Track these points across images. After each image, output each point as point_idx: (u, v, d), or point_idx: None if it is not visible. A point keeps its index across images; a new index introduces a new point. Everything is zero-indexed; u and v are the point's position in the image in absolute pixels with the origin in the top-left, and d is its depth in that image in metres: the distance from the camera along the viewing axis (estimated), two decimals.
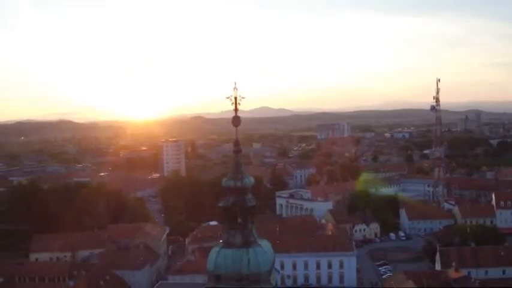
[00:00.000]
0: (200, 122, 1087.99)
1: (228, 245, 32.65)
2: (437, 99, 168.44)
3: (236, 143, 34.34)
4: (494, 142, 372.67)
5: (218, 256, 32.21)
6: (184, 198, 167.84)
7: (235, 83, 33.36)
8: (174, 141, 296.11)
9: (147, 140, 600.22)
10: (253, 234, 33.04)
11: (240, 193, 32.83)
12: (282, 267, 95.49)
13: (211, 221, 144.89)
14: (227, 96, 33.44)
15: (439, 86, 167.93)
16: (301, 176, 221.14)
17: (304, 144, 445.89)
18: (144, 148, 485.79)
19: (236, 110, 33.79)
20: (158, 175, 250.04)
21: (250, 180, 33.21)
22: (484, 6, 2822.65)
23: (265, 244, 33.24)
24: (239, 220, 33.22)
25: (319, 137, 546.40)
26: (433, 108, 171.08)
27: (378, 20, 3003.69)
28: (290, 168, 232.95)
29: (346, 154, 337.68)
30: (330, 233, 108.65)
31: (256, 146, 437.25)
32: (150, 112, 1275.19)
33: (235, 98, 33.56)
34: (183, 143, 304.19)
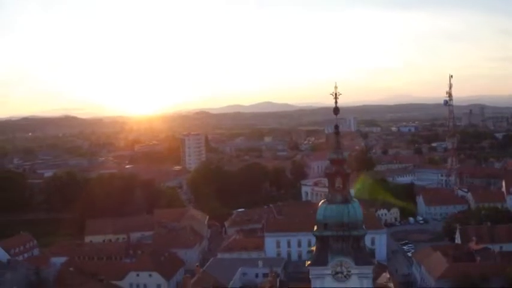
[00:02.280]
0: (204, 117, 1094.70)
1: (331, 202, 44.52)
2: (450, 94, 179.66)
3: (336, 127, 46.42)
4: (499, 135, 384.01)
5: (325, 210, 44.18)
6: (213, 188, 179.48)
7: (335, 83, 45.01)
8: (196, 134, 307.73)
9: (155, 135, 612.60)
10: (350, 194, 44.97)
11: (340, 163, 44.86)
12: None
13: (239, 208, 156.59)
14: (330, 93, 45.05)
15: (451, 82, 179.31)
16: (318, 167, 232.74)
17: (313, 138, 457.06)
18: (155, 142, 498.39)
19: (336, 102, 45.36)
20: (180, 167, 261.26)
21: (346, 155, 45.23)
22: (484, 1, 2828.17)
23: (357, 202, 45.16)
24: (338, 184, 45.19)
25: (326, 131, 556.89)
26: (446, 102, 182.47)
27: (379, 15, 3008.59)
28: (307, 160, 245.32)
29: (357, 147, 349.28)
30: None
31: (267, 140, 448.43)
32: (154, 107, 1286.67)
33: (336, 94, 45.22)
34: (203, 136, 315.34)
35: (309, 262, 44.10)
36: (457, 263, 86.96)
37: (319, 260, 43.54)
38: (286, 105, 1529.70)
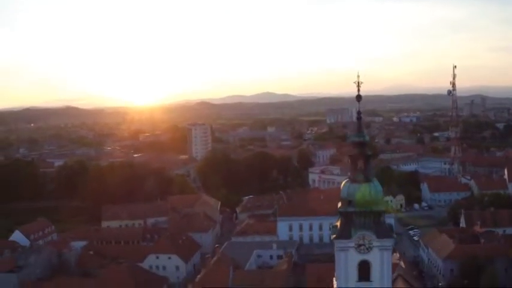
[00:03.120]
0: (205, 108, 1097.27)
1: (354, 181, 48.61)
2: (453, 84, 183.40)
3: (358, 113, 50.29)
4: (500, 126, 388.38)
5: (349, 188, 48.25)
6: (221, 176, 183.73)
7: (358, 72, 49.05)
8: (202, 124, 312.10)
9: (157, 125, 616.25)
10: (371, 174, 49.11)
11: (362, 146, 48.95)
12: (330, 228, 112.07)
13: (248, 196, 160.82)
14: (354, 81, 49.11)
15: (454, 72, 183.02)
16: (323, 156, 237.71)
17: (315, 128, 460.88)
18: (158, 132, 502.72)
19: (358, 90, 49.34)
20: (186, 156, 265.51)
21: (368, 138, 49.39)
22: None
23: (377, 181, 49.29)
24: (360, 165, 49.29)
25: (328, 121, 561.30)
26: (449, 92, 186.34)
27: (379, 5, 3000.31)
28: (313, 149, 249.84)
29: None
30: None
31: (270, 129, 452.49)
32: (154, 98, 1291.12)
33: (358, 82, 49.24)
34: (209, 126, 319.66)
35: (334, 236, 48.18)
36: (463, 244, 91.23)
37: (344, 233, 47.66)
38: (287, 95, 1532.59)
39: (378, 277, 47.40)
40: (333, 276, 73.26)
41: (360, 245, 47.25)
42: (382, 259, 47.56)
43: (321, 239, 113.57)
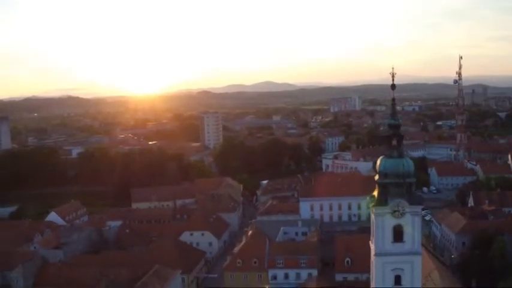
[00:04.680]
0: (207, 97, 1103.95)
1: (389, 157, 57.31)
2: (459, 74, 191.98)
3: (393, 99, 58.79)
4: (502, 115, 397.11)
5: (385, 163, 56.93)
6: (238, 162, 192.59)
7: (393, 71, 57.67)
8: (214, 113, 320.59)
9: (161, 114, 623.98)
10: (403, 151, 57.78)
11: (396, 127, 57.58)
12: (349, 207, 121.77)
13: (264, 180, 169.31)
14: (389, 72, 57.69)
15: (460, 62, 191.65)
16: (332, 143, 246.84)
17: (320, 117, 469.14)
18: (164, 121, 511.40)
19: (393, 79, 57.84)
20: (199, 144, 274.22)
21: (400, 121, 58.08)
22: None
23: (408, 157, 58.01)
24: (394, 143, 57.89)
25: (332, 110, 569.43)
26: (455, 81, 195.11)
27: None
28: (322, 137, 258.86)
29: (365, 125, 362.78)
30: None
31: (276, 118, 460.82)
32: (154, 87, 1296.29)
33: (393, 74, 57.89)
34: (220, 115, 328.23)
35: (373, 204, 56.94)
36: (473, 220, 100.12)
37: (381, 201, 56.44)
38: (287, 84, 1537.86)
39: (410, 238, 56.27)
40: (359, 245, 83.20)
41: (394, 211, 56.00)
42: (413, 223, 56.40)
43: (339, 217, 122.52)
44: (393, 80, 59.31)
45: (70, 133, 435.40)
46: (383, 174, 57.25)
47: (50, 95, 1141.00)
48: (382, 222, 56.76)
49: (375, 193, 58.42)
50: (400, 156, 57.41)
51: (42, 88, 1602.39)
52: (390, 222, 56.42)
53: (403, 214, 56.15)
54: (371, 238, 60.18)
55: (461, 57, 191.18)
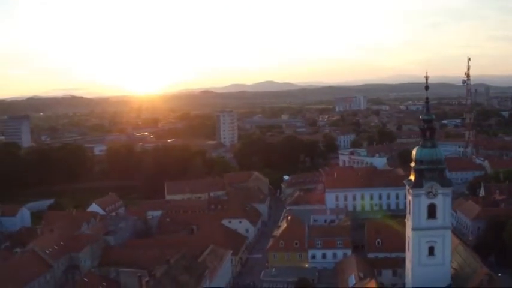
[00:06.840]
0: (209, 97, 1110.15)
1: (424, 146, 68.49)
2: (468, 75, 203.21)
3: (427, 98, 70.02)
4: (505, 114, 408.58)
5: (421, 151, 68.09)
6: (257, 158, 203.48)
7: (426, 74, 68.65)
8: (229, 111, 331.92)
9: (168, 113, 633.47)
10: (435, 142, 68.91)
11: (430, 122, 68.78)
12: (371, 198, 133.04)
13: (285, 175, 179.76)
14: (424, 75, 68.82)
15: (469, 64, 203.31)
16: (344, 141, 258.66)
17: (327, 116, 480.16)
18: (174, 120, 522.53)
19: (427, 81, 68.95)
20: (215, 142, 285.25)
21: (434, 116, 69.37)
22: None
23: (439, 147, 69.14)
24: (427, 135, 68.91)
25: (337, 109, 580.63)
26: (464, 82, 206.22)
27: None
28: (335, 134, 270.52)
29: (372, 124, 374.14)
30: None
31: (284, 117, 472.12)
32: (156, 86, 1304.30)
33: (426, 78, 69.08)
34: (235, 114, 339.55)
35: (410, 186, 67.99)
36: (487, 207, 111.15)
37: (417, 184, 67.81)
38: (288, 84, 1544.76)
39: (442, 215, 67.81)
40: (386, 229, 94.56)
41: (429, 192, 67.34)
42: (444, 202, 67.90)
43: (362, 207, 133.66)
44: (427, 81, 70.73)
45: (82, 132, 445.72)
46: (419, 162, 68.55)
47: (51, 95, 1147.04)
48: (418, 201, 68.03)
49: (412, 177, 69.60)
50: (433, 146, 68.72)
51: (43, 88, 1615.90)
52: (425, 201, 67.74)
53: (436, 195, 67.46)
54: (407, 216, 71.54)
55: (470, 59, 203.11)
